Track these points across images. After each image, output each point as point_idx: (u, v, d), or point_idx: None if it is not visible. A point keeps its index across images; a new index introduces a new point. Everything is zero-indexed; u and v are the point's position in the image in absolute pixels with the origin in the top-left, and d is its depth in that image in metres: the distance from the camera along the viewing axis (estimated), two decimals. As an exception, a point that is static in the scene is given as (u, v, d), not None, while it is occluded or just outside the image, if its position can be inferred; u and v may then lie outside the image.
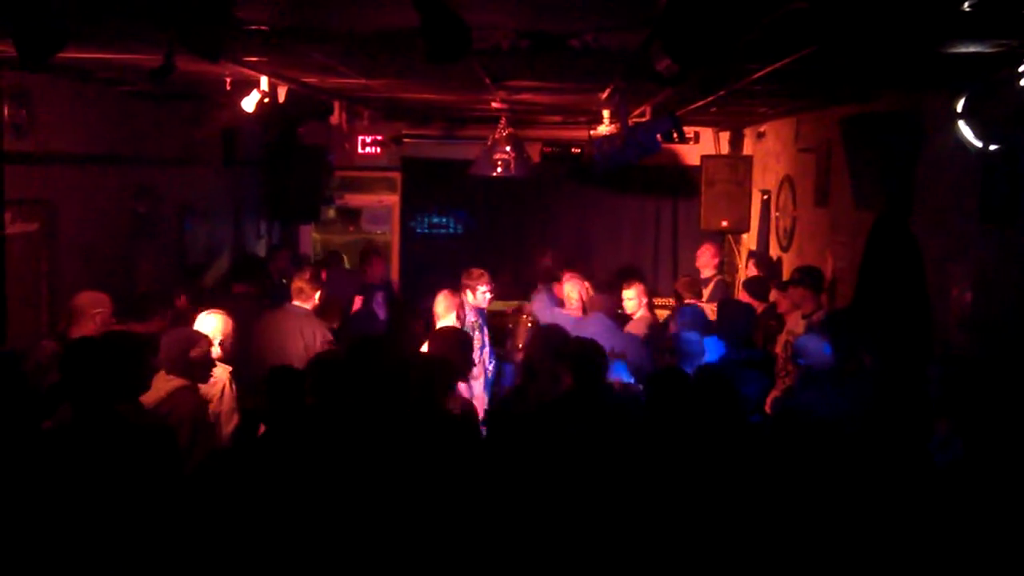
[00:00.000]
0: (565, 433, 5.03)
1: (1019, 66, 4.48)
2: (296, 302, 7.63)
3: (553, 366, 5.75)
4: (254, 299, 8.80)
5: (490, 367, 8.23)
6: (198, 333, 5.91)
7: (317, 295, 7.70)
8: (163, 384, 5.41)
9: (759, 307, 9.08)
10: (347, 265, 12.30)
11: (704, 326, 7.52)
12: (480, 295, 8.33)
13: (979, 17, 3.91)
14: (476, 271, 8.48)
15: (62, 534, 3.92)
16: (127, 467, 4.09)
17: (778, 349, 8.03)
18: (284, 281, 10.32)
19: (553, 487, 4.64)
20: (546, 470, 4.73)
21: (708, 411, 4.85)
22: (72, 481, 4.01)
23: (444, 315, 7.30)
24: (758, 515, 4.37)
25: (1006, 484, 4.23)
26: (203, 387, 5.86)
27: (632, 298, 8.77)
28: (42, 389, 5.38)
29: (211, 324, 6.38)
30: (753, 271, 10.32)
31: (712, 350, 7.05)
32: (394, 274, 13.05)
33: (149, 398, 5.28)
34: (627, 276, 9.92)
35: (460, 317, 7.41)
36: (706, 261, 10.76)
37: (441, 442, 4.70)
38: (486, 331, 8.35)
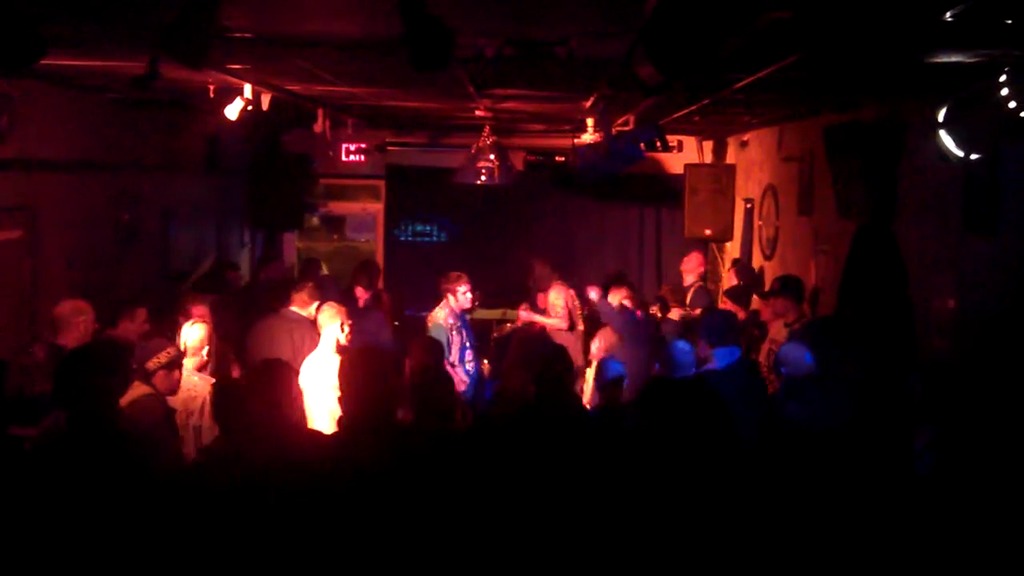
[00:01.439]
0: (524, 443, 4.95)
1: (1000, 76, 4.50)
2: (294, 307, 7.66)
3: (523, 373, 5.71)
4: (221, 306, 8.73)
5: (470, 367, 8.20)
6: (161, 344, 5.87)
7: (315, 305, 7.71)
8: (129, 392, 5.42)
9: (741, 314, 9.10)
10: (325, 272, 12.27)
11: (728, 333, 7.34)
12: (461, 296, 8.31)
13: (960, 27, 3.94)
14: (453, 274, 8.44)
15: (59, 540, 3.93)
16: (121, 472, 4.10)
17: (761, 358, 8.06)
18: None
19: (511, 495, 4.58)
20: (507, 478, 4.67)
21: (694, 421, 4.80)
22: (70, 488, 4.02)
23: (327, 324, 7.18)
24: (742, 525, 4.36)
25: (987, 491, 4.25)
26: (185, 400, 5.84)
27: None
28: (32, 394, 5.37)
29: (196, 334, 6.36)
30: (734, 280, 10.35)
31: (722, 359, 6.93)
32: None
33: None
34: (614, 282, 9.95)
35: (344, 328, 7.28)
36: (691, 268, 10.70)
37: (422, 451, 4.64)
38: (465, 334, 8.30)
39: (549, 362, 5.38)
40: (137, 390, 5.43)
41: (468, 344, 8.31)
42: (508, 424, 5.30)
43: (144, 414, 5.29)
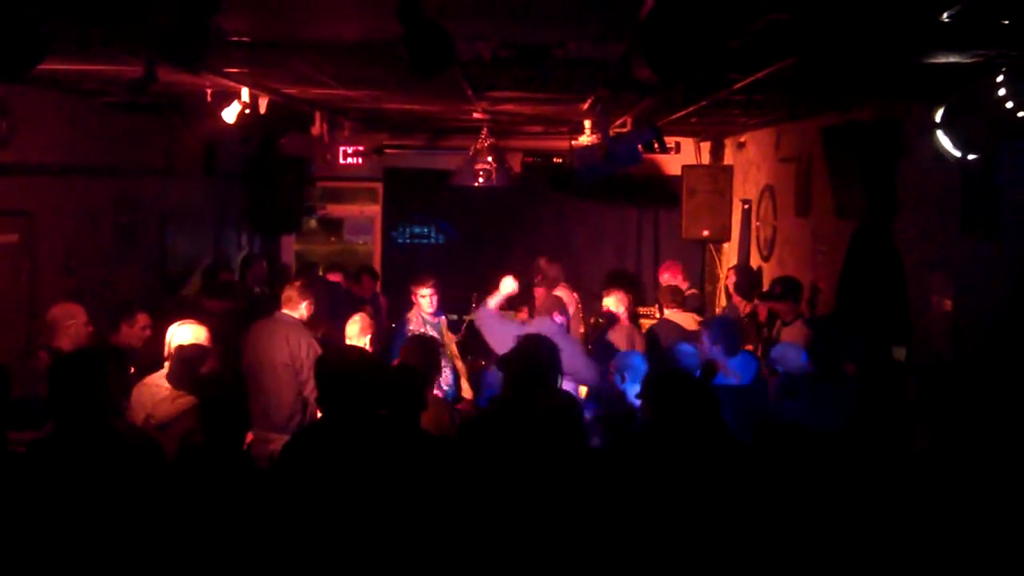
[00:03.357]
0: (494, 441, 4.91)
1: (997, 76, 4.51)
2: (285, 310, 7.61)
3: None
4: (231, 315, 8.70)
5: (443, 379, 8.09)
6: (208, 349, 5.80)
7: (305, 305, 7.68)
8: (173, 402, 5.34)
9: (746, 307, 9.15)
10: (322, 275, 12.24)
11: (731, 337, 7.32)
12: (421, 300, 8.19)
13: (957, 28, 3.94)
14: (422, 276, 8.35)
15: (42, 546, 3.91)
16: (109, 480, 4.08)
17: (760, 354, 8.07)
18: (257, 290, 10.30)
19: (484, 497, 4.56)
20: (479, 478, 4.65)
21: (700, 416, 4.79)
22: (54, 495, 4.01)
23: (357, 338, 7.12)
24: (740, 523, 4.37)
25: (985, 491, 4.25)
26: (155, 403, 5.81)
27: (612, 306, 8.75)
28: (36, 400, 5.36)
29: (186, 335, 6.33)
30: (733, 279, 10.36)
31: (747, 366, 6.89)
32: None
33: (160, 414, 5.22)
34: (611, 283, 9.94)
35: (373, 341, 7.21)
36: (668, 279, 10.62)
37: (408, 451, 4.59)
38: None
39: (520, 360, 5.24)
40: (181, 399, 5.36)
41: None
42: (480, 423, 5.26)
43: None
